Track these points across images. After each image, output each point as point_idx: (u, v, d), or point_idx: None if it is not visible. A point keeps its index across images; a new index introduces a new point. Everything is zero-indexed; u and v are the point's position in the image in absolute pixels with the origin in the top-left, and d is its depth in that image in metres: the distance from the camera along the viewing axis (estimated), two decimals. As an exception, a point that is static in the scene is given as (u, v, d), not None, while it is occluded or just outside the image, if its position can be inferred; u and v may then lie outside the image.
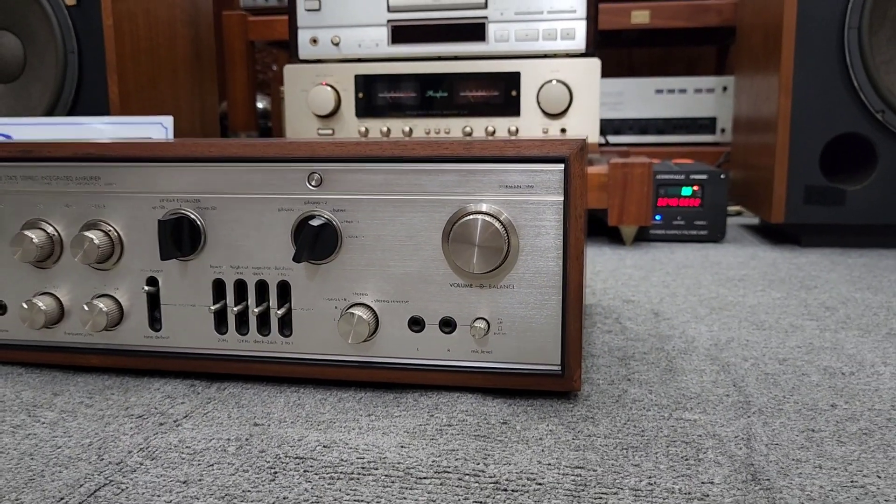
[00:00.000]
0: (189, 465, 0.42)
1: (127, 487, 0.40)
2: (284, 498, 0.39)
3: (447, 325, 0.52)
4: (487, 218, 0.49)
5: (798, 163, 1.08)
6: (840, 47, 1.04)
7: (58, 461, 0.43)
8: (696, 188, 1.18)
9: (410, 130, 1.22)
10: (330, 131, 1.24)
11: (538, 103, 1.18)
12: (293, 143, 0.52)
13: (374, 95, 1.22)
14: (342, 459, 0.43)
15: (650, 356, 0.61)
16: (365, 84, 1.22)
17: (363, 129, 1.23)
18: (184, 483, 0.40)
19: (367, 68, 1.22)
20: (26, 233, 0.54)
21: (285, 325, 0.54)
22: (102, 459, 0.43)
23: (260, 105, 2.13)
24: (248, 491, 0.40)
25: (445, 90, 1.21)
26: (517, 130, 1.19)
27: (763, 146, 1.16)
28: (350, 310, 0.52)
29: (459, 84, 1.20)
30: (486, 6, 1.18)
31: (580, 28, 1.17)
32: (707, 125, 1.95)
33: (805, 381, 0.55)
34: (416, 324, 0.52)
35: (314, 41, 1.24)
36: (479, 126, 1.20)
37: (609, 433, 0.46)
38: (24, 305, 0.55)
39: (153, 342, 0.56)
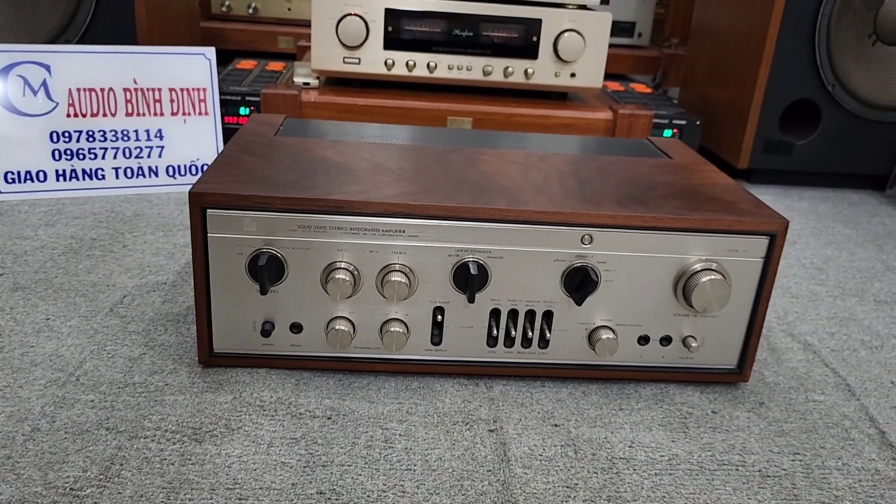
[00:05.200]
0: (562, 472, 0.60)
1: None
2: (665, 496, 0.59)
3: (666, 340, 0.71)
4: (718, 277, 0.67)
5: (764, 120, 1.32)
6: (812, 29, 1.27)
7: (463, 475, 0.59)
8: (675, 131, 1.39)
9: (435, 65, 1.31)
10: (356, 60, 1.29)
11: (555, 49, 1.31)
12: (574, 213, 0.66)
13: (402, 29, 1.28)
14: (651, 458, 0.63)
15: (748, 333, 0.85)
16: (394, 18, 1.27)
17: (390, 60, 1.30)
18: (569, 488, 0.59)
19: (395, 2, 1.26)
20: (341, 277, 0.65)
21: (542, 340, 0.71)
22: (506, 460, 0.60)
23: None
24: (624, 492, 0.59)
25: (471, 30, 1.29)
26: (533, 72, 1.32)
27: (735, 104, 1.39)
28: (597, 331, 0.69)
29: (484, 25, 1.29)
30: (515, -47, 1.26)
31: (597, -18, 1.28)
32: (627, 29, 2.14)
33: (873, 357, 0.82)
34: (644, 340, 0.71)
35: (343, -31, 1.25)
36: (499, 66, 1.32)
37: (784, 419, 0.70)
38: (334, 330, 0.67)
39: (433, 354, 0.70)
